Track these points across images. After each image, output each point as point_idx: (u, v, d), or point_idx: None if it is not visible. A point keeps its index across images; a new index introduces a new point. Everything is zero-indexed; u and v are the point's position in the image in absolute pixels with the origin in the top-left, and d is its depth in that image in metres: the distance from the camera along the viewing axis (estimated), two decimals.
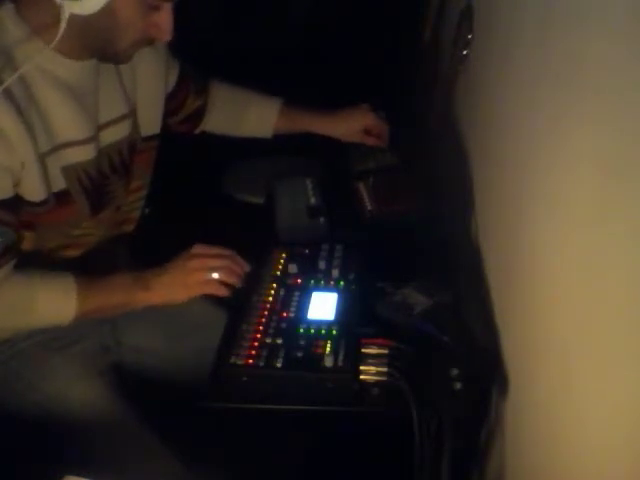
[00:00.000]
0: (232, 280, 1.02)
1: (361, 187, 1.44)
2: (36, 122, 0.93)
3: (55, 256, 1.05)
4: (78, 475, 0.74)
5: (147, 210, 1.29)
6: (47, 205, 0.98)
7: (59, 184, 0.99)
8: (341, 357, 0.93)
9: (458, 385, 0.91)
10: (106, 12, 0.87)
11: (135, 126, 1.13)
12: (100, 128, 1.05)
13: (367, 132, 1.38)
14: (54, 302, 0.98)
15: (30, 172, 0.93)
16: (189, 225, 1.35)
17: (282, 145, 1.77)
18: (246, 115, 1.36)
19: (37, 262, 1.02)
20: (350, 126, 1.34)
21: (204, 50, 2.28)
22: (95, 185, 1.05)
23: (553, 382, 0.79)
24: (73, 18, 0.86)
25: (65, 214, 1.02)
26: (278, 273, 1.13)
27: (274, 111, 1.36)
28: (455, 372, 0.93)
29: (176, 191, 1.35)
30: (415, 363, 0.93)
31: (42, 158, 0.95)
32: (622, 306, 0.61)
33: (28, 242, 1.00)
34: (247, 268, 1.05)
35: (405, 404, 0.87)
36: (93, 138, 1.03)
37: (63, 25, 0.86)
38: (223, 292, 1.02)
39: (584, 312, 0.70)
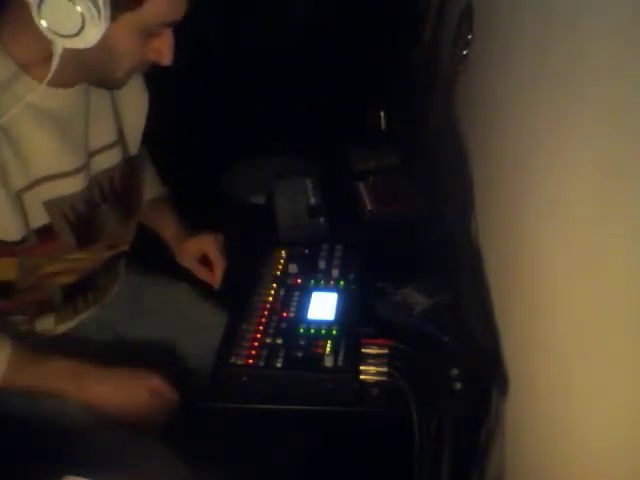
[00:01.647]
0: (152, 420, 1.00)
1: (361, 187, 1.45)
2: (9, 158, 0.87)
3: (48, 282, 1.02)
4: (78, 475, 0.74)
5: None
6: (27, 243, 0.93)
7: (41, 219, 0.94)
8: (341, 357, 0.93)
9: (458, 385, 0.91)
10: (101, 44, 0.82)
11: (126, 151, 1.09)
12: (91, 155, 1.01)
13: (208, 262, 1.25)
14: None
15: (5, 213, 0.88)
16: (188, 225, 1.34)
17: (282, 145, 1.78)
18: None
19: (31, 287, 0.99)
20: (187, 251, 1.23)
21: (204, 51, 2.29)
22: (82, 218, 1.00)
23: (553, 382, 0.79)
24: (67, 52, 0.81)
25: (48, 249, 0.97)
26: (278, 273, 1.13)
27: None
28: (455, 372, 0.93)
29: (176, 191, 1.34)
30: (415, 363, 0.93)
31: (18, 195, 0.89)
32: (622, 306, 0.61)
33: (11, 269, 0.96)
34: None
35: (405, 404, 0.87)
36: (83, 167, 0.98)
37: (56, 61, 0.81)
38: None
39: (584, 312, 0.70)
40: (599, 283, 0.66)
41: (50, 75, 0.82)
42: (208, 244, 1.21)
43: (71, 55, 0.83)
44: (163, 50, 0.91)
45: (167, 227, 1.26)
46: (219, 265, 1.21)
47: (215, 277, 1.21)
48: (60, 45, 0.81)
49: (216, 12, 2.34)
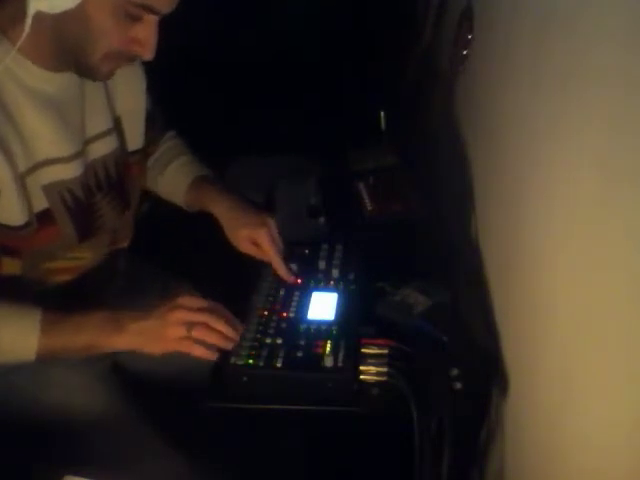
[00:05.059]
0: (211, 340, 0.91)
1: (361, 187, 1.45)
2: (13, 141, 0.88)
3: (47, 280, 1.02)
4: (78, 475, 0.74)
5: (146, 206, 1.28)
6: (30, 228, 0.93)
7: (41, 204, 0.94)
8: (341, 357, 0.93)
9: (458, 385, 0.91)
10: (77, 16, 0.82)
11: (122, 140, 1.09)
12: (87, 142, 1.01)
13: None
14: (13, 338, 0.90)
15: (9, 195, 0.88)
16: (188, 224, 1.35)
17: (282, 145, 1.78)
18: (163, 180, 1.27)
19: (28, 286, 0.99)
20: (241, 238, 1.16)
21: (204, 50, 2.29)
22: (80, 207, 1.00)
23: (553, 382, 0.79)
24: (42, 18, 0.81)
25: (49, 237, 0.96)
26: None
27: (184, 186, 1.24)
28: (455, 372, 0.93)
29: None
30: (415, 363, 0.93)
31: (22, 178, 0.90)
32: (622, 306, 0.61)
33: (15, 269, 0.96)
34: (232, 329, 0.94)
35: (405, 404, 0.87)
36: (79, 154, 0.98)
37: (29, 22, 0.80)
38: (200, 352, 0.91)
39: (584, 312, 0.70)
40: (599, 283, 0.66)
41: (23, 37, 0.81)
42: (260, 236, 1.14)
43: (47, 23, 0.83)
44: (145, 41, 0.88)
45: (216, 206, 1.20)
46: (274, 260, 1.13)
47: (280, 272, 1.13)
48: (33, 6, 0.80)
49: (216, 12, 2.34)
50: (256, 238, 1.14)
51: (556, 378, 0.78)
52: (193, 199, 1.22)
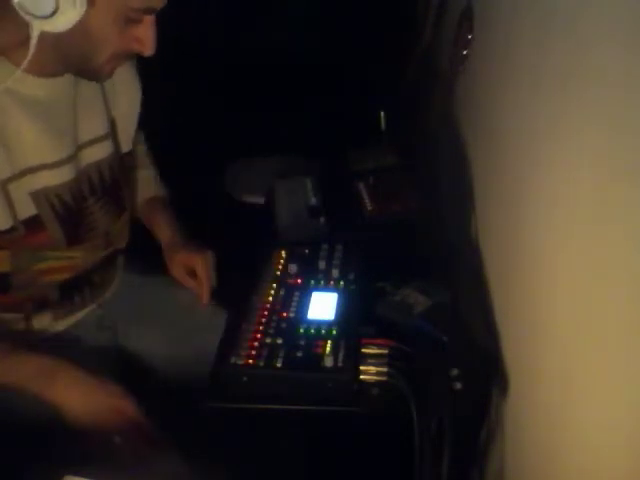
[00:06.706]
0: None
1: (361, 187, 1.45)
2: None
3: (43, 278, 1.02)
4: (78, 475, 0.74)
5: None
6: (15, 232, 0.92)
7: (28, 210, 0.93)
8: (341, 357, 0.93)
9: (458, 385, 0.91)
10: (79, 29, 0.82)
11: (117, 144, 1.08)
12: (80, 147, 1.00)
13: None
14: None
15: None
16: (188, 225, 1.35)
17: (282, 145, 1.78)
18: None
19: (26, 283, 0.99)
20: (177, 262, 1.20)
21: (204, 50, 2.29)
22: (70, 212, 0.99)
23: (553, 382, 0.79)
24: (44, 36, 0.80)
25: (39, 241, 0.96)
26: (278, 273, 1.13)
27: (139, 200, 1.26)
28: (455, 372, 0.93)
29: (176, 191, 1.34)
30: (415, 363, 0.93)
31: (4, 185, 0.89)
32: (622, 306, 0.61)
33: (4, 265, 0.96)
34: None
35: (405, 404, 0.87)
36: (70, 158, 0.97)
37: (33, 45, 0.80)
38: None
39: (584, 312, 0.70)
40: (599, 283, 0.66)
41: (28, 59, 0.81)
42: (197, 261, 1.18)
43: (49, 40, 0.82)
44: (145, 39, 0.90)
45: (161, 231, 1.24)
46: (205, 283, 1.18)
47: (202, 294, 1.18)
48: (37, 28, 0.80)
49: (217, 11, 2.34)
50: (192, 263, 1.18)
51: (556, 378, 0.78)
52: (145, 217, 1.26)
